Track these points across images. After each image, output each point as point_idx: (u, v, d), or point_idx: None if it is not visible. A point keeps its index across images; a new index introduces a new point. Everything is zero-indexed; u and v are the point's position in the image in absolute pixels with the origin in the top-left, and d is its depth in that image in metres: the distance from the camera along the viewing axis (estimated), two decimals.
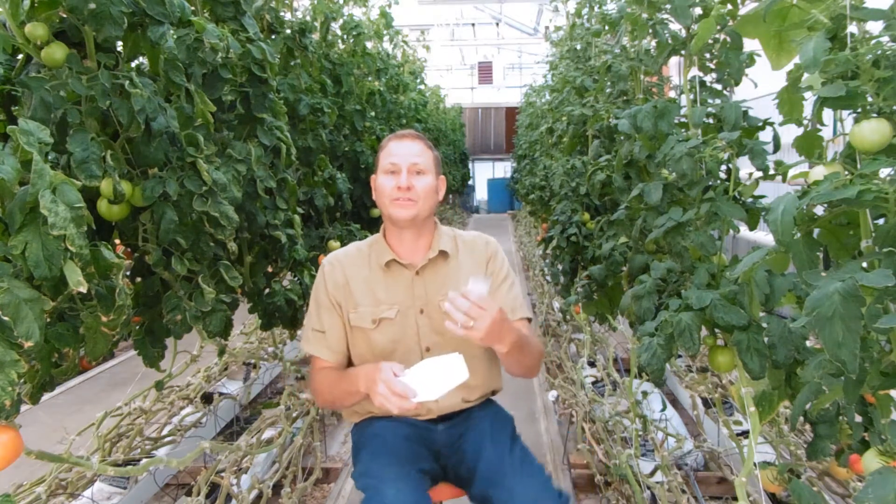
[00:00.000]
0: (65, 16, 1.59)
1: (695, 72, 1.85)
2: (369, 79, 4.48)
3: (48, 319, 1.24)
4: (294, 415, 3.15)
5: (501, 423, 1.66)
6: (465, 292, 1.34)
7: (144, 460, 2.03)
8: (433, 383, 1.39)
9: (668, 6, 1.81)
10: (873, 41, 1.07)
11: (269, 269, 2.59)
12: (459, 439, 1.63)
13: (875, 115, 1.06)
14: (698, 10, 1.77)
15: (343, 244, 3.17)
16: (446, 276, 1.65)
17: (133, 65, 1.78)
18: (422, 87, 7.86)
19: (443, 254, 1.65)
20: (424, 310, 1.62)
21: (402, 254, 1.64)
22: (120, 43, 1.72)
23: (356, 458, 1.63)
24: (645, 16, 1.93)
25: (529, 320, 1.70)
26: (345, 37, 4.06)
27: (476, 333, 1.34)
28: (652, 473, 2.44)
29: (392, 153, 1.61)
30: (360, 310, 1.62)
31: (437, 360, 1.42)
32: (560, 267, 3.41)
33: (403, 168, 1.58)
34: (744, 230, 1.71)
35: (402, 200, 1.57)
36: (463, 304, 1.33)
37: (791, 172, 1.33)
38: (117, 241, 1.86)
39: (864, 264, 0.97)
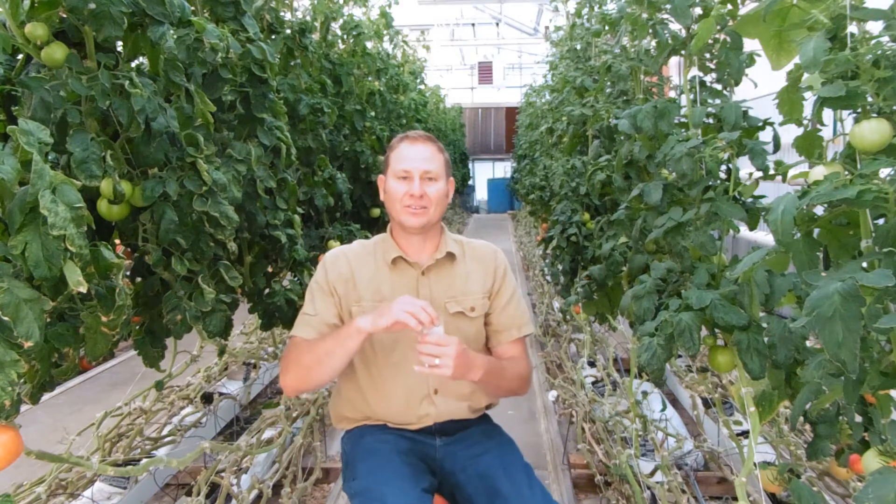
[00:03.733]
0: (65, 16, 1.58)
1: (695, 72, 1.85)
2: (369, 79, 4.48)
3: (48, 319, 1.24)
4: (294, 415, 3.15)
5: (510, 451, 1.62)
6: (423, 334, 1.40)
7: (144, 460, 2.03)
8: None
9: (668, 6, 1.81)
10: (873, 41, 1.07)
11: (269, 269, 2.59)
12: (464, 461, 1.59)
13: (875, 115, 1.06)
14: (698, 10, 1.77)
15: (343, 244, 3.18)
16: (452, 279, 1.65)
17: (133, 65, 1.78)
18: (422, 87, 7.86)
19: (450, 255, 1.65)
20: None
21: (409, 252, 1.63)
22: (120, 43, 1.72)
23: (350, 472, 1.60)
24: (645, 16, 1.93)
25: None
26: (345, 37, 4.07)
27: (445, 371, 1.39)
28: (652, 473, 2.44)
29: (404, 157, 1.59)
30: (364, 304, 1.60)
31: None
32: (560, 267, 3.41)
33: (416, 175, 1.57)
34: (744, 230, 1.71)
35: (414, 208, 1.57)
36: (425, 347, 1.39)
37: (791, 172, 1.33)
38: (117, 241, 1.86)
39: (864, 264, 0.97)
